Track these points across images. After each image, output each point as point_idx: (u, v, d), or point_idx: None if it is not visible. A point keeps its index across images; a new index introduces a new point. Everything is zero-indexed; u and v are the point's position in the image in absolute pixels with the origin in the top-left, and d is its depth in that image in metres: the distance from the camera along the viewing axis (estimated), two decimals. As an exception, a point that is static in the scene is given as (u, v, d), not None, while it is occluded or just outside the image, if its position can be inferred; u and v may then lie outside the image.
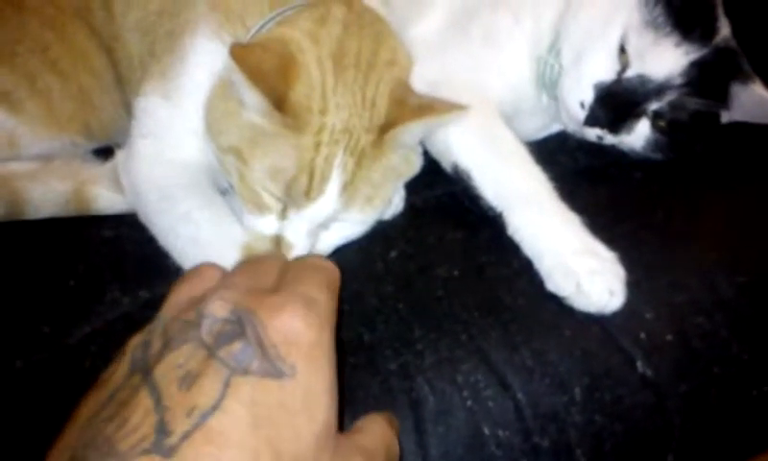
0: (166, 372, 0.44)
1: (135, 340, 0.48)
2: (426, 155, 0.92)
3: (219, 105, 0.83)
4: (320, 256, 0.57)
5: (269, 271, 0.51)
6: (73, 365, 0.77)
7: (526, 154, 0.88)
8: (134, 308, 0.82)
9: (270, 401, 0.43)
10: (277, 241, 0.82)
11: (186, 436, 0.40)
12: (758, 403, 0.78)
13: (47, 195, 0.90)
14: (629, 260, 0.80)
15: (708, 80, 0.86)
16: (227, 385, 0.42)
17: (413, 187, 0.92)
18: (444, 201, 0.93)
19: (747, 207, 0.85)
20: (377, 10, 0.95)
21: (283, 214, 0.82)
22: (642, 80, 0.85)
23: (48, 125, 0.93)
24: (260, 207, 0.82)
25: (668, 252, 0.83)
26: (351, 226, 0.85)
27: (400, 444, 0.54)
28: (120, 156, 0.92)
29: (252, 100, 0.78)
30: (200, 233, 0.84)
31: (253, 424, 0.41)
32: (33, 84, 0.92)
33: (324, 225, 0.83)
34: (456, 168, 0.89)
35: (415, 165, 0.90)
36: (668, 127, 0.87)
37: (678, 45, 0.85)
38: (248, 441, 0.41)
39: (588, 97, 0.87)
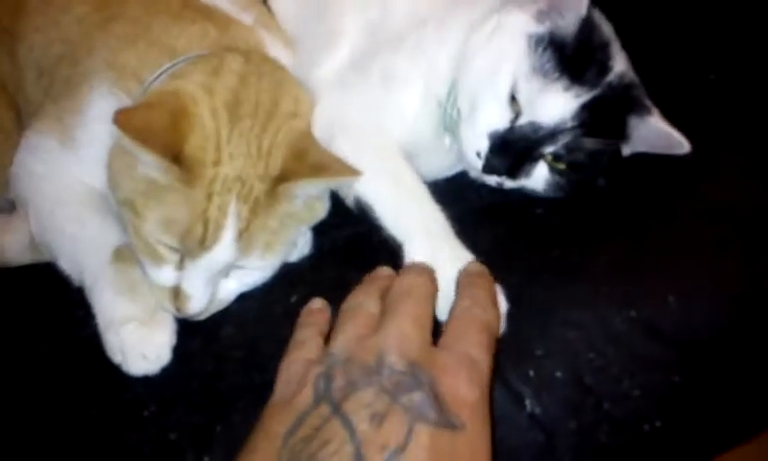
0: (356, 409, 0.50)
1: (314, 370, 0.55)
2: (334, 194, 0.93)
3: (116, 159, 0.84)
4: (483, 307, 0.64)
5: (430, 319, 0.61)
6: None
7: (425, 192, 0.88)
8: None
9: (444, 450, 0.49)
10: (176, 292, 0.83)
11: None
12: (649, 440, 0.78)
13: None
14: (523, 297, 0.81)
15: (603, 118, 0.87)
16: (410, 430, 0.49)
17: (320, 228, 0.92)
18: (351, 241, 0.94)
19: (639, 242, 0.85)
20: (283, 56, 0.97)
21: (180, 265, 0.83)
22: (534, 127, 0.86)
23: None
24: (156, 259, 0.82)
25: (562, 288, 0.83)
26: (252, 273, 0.86)
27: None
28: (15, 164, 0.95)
29: (147, 158, 0.79)
30: (81, 234, 0.89)
31: None
32: (-62, 144, 0.93)
33: (223, 273, 0.84)
34: (358, 202, 0.90)
35: (318, 211, 0.90)
36: (566, 168, 0.88)
37: (567, 89, 0.85)
38: None
39: (484, 147, 0.88)
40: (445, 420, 0.50)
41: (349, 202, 0.92)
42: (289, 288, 0.87)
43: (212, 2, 0.97)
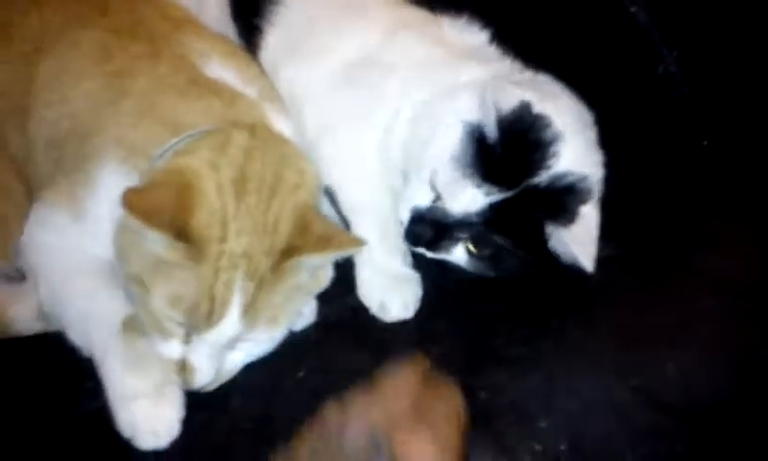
0: None
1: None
2: (339, 265, 0.94)
3: (124, 236, 0.86)
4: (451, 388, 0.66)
5: (406, 391, 0.64)
6: None
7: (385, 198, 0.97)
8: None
9: None
10: (183, 365, 0.84)
11: None
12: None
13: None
14: (526, 369, 0.83)
15: (512, 220, 0.87)
16: None
17: (324, 296, 0.94)
18: (357, 311, 0.95)
19: (638, 312, 0.87)
20: (285, 128, 0.99)
21: (187, 339, 0.84)
22: (445, 212, 0.88)
23: (-31, 252, 0.96)
24: (163, 333, 0.84)
25: (564, 358, 0.85)
26: (258, 345, 0.87)
27: None
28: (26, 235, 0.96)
29: (154, 236, 0.80)
30: (90, 307, 0.90)
31: None
32: (-48, 217, 0.95)
33: (229, 346, 0.85)
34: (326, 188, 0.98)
35: (323, 280, 0.92)
36: (480, 255, 0.90)
37: (479, 186, 0.86)
38: None
39: (406, 218, 0.91)
40: None
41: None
42: (297, 362, 0.89)
43: (218, 77, 0.99)
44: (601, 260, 0.88)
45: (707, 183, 1.01)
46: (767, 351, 0.83)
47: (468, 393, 0.80)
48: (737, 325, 0.85)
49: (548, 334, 0.87)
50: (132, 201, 0.78)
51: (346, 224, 0.99)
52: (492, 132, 0.86)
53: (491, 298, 0.92)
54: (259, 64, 1.08)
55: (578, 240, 0.87)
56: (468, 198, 0.87)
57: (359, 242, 0.88)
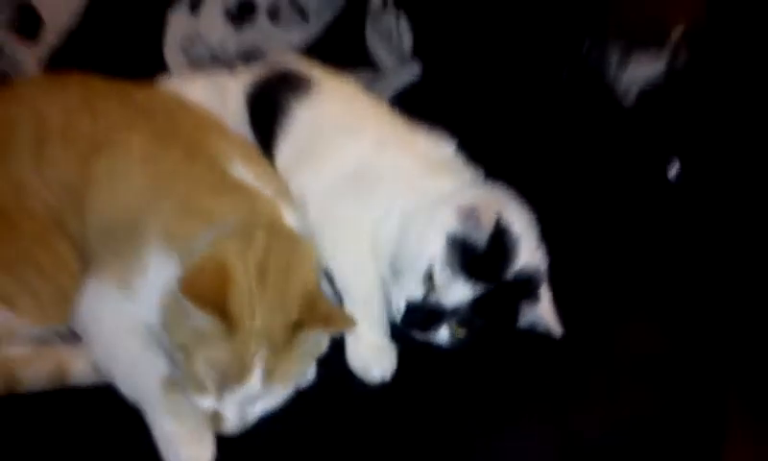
0: None
1: None
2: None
3: (171, 310, 1.08)
4: None
5: None
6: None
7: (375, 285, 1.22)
8: None
9: None
10: (216, 415, 1.08)
11: None
12: None
13: (35, 374, 1.16)
14: (482, 415, 1.11)
15: (493, 306, 1.16)
16: None
17: (322, 360, 1.18)
18: (347, 373, 1.20)
19: (562, 379, 1.17)
20: (294, 220, 1.23)
21: (219, 395, 1.07)
22: (438, 305, 1.16)
23: (37, 317, 1.19)
24: (201, 391, 1.07)
25: (512, 409, 1.14)
26: (273, 400, 1.11)
27: None
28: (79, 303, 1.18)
29: (199, 314, 1.03)
30: (136, 366, 1.12)
31: None
32: (25, 287, 1.17)
33: (252, 401, 1.09)
34: (326, 271, 1.22)
35: (324, 346, 1.17)
36: (462, 334, 1.18)
37: (467, 282, 1.14)
38: None
39: (401, 308, 1.18)
40: None
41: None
42: (300, 413, 1.13)
43: (241, 176, 1.22)
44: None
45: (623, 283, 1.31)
46: (657, 420, 1.13)
47: (436, 435, 1.09)
48: (635, 396, 1.16)
49: (500, 390, 1.15)
50: (186, 286, 1.02)
51: (339, 297, 1.24)
52: (481, 244, 1.14)
53: (454, 362, 1.19)
54: (272, 165, 1.32)
55: (545, 313, 1.18)
56: (460, 293, 1.14)
57: (353, 322, 1.13)
